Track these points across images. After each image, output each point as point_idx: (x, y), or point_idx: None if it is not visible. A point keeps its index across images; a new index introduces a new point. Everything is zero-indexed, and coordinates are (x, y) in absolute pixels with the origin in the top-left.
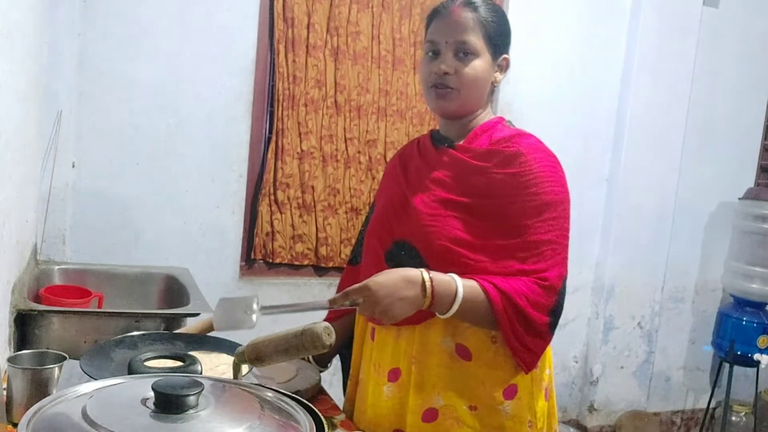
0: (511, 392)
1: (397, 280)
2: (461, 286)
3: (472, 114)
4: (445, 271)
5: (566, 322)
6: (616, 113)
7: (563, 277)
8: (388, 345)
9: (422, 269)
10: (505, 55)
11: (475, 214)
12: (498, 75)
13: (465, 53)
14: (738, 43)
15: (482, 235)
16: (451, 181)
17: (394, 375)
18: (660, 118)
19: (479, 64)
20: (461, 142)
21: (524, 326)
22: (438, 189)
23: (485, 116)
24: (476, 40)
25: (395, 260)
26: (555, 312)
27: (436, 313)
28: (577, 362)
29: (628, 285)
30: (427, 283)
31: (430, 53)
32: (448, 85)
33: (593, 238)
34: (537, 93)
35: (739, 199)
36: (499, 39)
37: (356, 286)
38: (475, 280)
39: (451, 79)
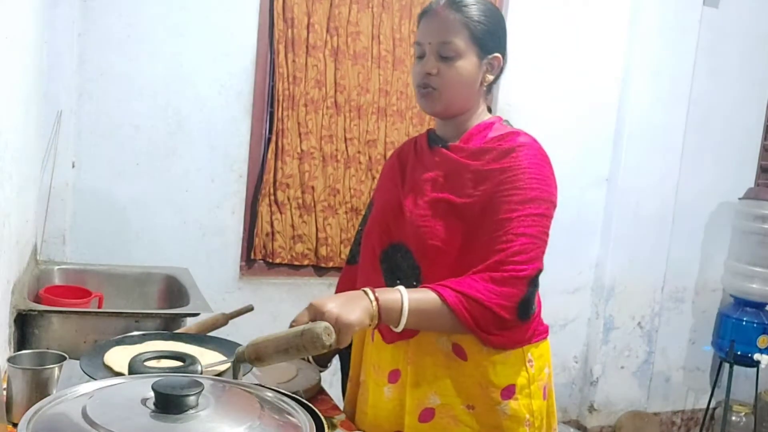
0: (509, 392)
1: (341, 294)
2: (407, 298)
3: (464, 114)
4: (436, 273)
5: (566, 322)
6: (616, 113)
7: (538, 270)
8: (388, 347)
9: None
10: (496, 54)
11: (466, 214)
12: (488, 75)
13: (447, 54)
14: (738, 43)
15: (472, 234)
16: (442, 180)
17: (394, 376)
18: (660, 118)
19: (462, 65)
20: (456, 142)
21: (493, 320)
22: (430, 190)
23: (481, 116)
24: (459, 41)
25: (390, 261)
26: (526, 301)
27: (391, 327)
28: (577, 362)
29: (628, 285)
30: (371, 294)
31: (418, 54)
32: (431, 85)
33: (593, 238)
34: (537, 93)
35: (739, 199)
36: (487, 39)
37: (301, 313)
38: (429, 288)
39: (433, 80)
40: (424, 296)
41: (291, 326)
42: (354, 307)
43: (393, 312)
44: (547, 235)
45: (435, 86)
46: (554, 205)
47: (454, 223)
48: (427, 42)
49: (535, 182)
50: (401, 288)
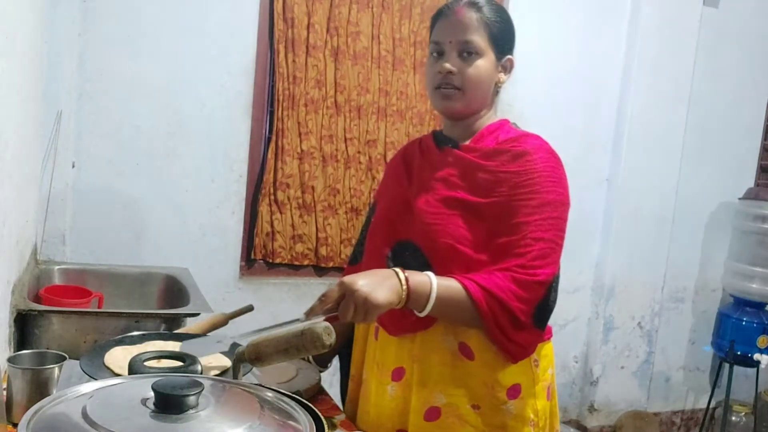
0: (514, 392)
1: (372, 272)
2: (436, 284)
3: (477, 115)
4: (449, 271)
5: (566, 322)
6: (616, 113)
7: (555, 276)
8: (392, 344)
9: (395, 269)
10: (509, 56)
11: (478, 213)
12: (502, 75)
13: (469, 53)
14: (738, 43)
15: (485, 233)
16: (456, 179)
17: (398, 374)
18: (660, 118)
19: (483, 64)
20: (467, 143)
21: (510, 320)
22: (442, 188)
23: (490, 117)
24: (480, 40)
25: (398, 260)
26: (543, 307)
27: (415, 312)
28: (577, 362)
29: (628, 285)
30: (401, 275)
31: (435, 54)
32: (453, 84)
33: (593, 238)
34: (537, 93)
35: (739, 199)
36: (503, 39)
37: (331, 287)
38: (455, 278)
39: (455, 79)
40: (451, 285)
41: (320, 300)
42: (384, 287)
43: (421, 296)
44: (562, 238)
45: (457, 85)
46: (568, 207)
47: (467, 221)
48: (447, 41)
49: (550, 185)
50: (430, 273)
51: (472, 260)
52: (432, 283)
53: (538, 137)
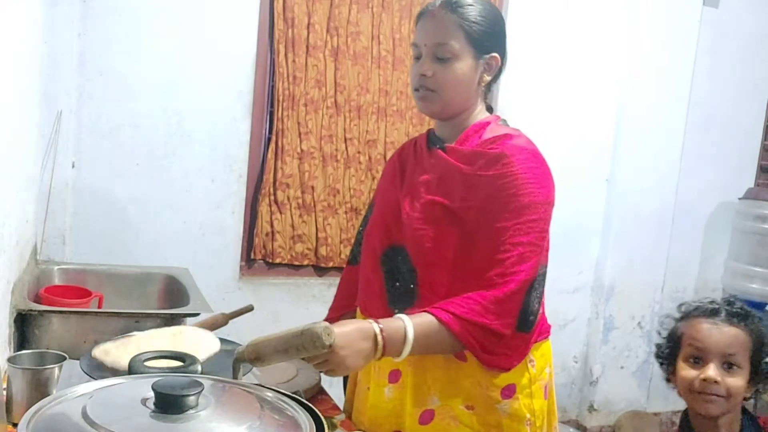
0: (509, 391)
1: (352, 331)
2: (411, 329)
3: (462, 114)
4: (433, 277)
5: (566, 322)
6: (616, 113)
7: (533, 280)
8: None
9: (373, 321)
10: (493, 54)
11: (460, 218)
12: (485, 75)
13: (443, 56)
14: (738, 43)
15: (468, 238)
16: (437, 183)
17: (394, 376)
18: (660, 118)
19: (458, 67)
20: (453, 144)
21: (494, 338)
22: (426, 192)
23: (478, 115)
24: (454, 43)
25: (389, 264)
26: (524, 313)
27: (393, 359)
28: (577, 362)
29: (628, 285)
30: (378, 336)
31: (415, 56)
32: (428, 87)
33: (593, 238)
34: (537, 93)
35: (739, 199)
36: (483, 39)
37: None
38: (429, 312)
39: (429, 82)
40: (427, 321)
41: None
42: (359, 356)
43: (394, 351)
44: (544, 238)
45: (432, 88)
46: (551, 204)
47: (448, 227)
48: (423, 44)
49: (529, 187)
50: (405, 319)
51: (455, 266)
52: (407, 329)
53: (518, 137)
